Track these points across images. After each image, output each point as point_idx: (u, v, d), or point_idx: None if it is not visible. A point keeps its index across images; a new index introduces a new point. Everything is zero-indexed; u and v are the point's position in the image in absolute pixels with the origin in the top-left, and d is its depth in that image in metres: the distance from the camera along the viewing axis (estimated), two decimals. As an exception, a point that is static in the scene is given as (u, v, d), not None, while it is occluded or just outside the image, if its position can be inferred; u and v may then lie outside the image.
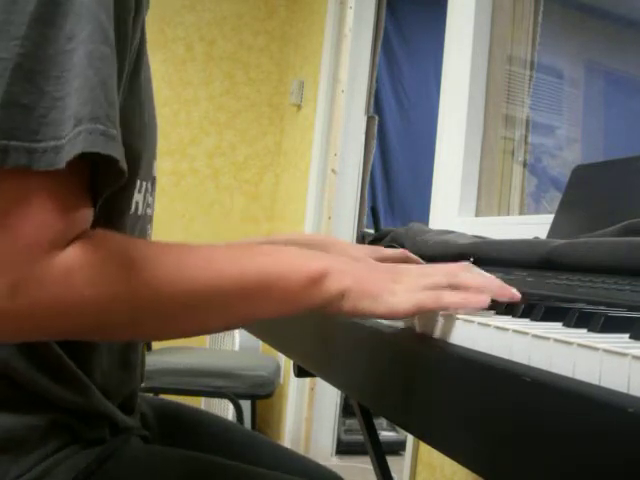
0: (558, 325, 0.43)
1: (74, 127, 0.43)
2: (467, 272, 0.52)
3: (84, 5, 0.45)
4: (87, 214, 0.47)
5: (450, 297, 0.48)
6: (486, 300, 0.48)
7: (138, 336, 0.52)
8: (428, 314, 0.49)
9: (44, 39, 0.44)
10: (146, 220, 0.67)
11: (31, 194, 0.43)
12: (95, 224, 0.48)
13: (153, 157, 0.67)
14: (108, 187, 0.47)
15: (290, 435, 2.61)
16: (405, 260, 0.76)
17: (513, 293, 0.51)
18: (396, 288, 0.50)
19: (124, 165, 0.46)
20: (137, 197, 0.62)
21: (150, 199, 0.68)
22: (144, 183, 0.63)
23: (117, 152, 0.44)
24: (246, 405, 2.10)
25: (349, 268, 0.51)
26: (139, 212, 0.64)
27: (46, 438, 0.55)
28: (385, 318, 0.50)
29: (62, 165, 0.42)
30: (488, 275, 0.53)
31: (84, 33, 0.45)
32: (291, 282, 0.49)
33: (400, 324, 0.53)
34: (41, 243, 0.43)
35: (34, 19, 0.44)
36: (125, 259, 0.46)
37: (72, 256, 0.44)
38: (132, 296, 0.45)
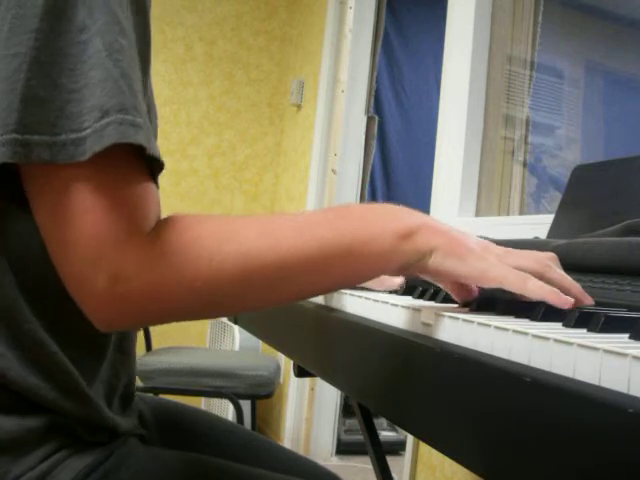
0: (558, 325, 0.43)
1: (100, 119, 0.43)
2: (556, 265, 0.51)
3: None
4: (156, 198, 0.48)
5: (535, 285, 0.47)
6: (570, 302, 0.47)
7: (246, 309, 0.52)
8: (429, 313, 0.49)
9: (55, 31, 0.44)
10: None
11: (90, 187, 0.44)
12: None
13: None
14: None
15: (290, 435, 2.61)
16: None
17: (591, 302, 0.51)
18: (485, 256, 0.49)
19: (156, 152, 0.46)
20: None
21: None
22: None
23: (147, 141, 0.45)
24: (246, 405, 2.10)
25: (442, 227, 0.51)
26: None
27: (46, 439, 0.54)
28: (467, 280, 0.50)
29: (84, 158, 0.43)
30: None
31: (98, 24, 0.45)
32: (385, 239, 0.49)
33: (400, 324, 0.53)
34: (121, 231, 0.44)
35: (45, 11, 0.44)
36: (212, 238, 0.46)
37: (159, 241, 0.45)
38: (231, 271, 0.46)
